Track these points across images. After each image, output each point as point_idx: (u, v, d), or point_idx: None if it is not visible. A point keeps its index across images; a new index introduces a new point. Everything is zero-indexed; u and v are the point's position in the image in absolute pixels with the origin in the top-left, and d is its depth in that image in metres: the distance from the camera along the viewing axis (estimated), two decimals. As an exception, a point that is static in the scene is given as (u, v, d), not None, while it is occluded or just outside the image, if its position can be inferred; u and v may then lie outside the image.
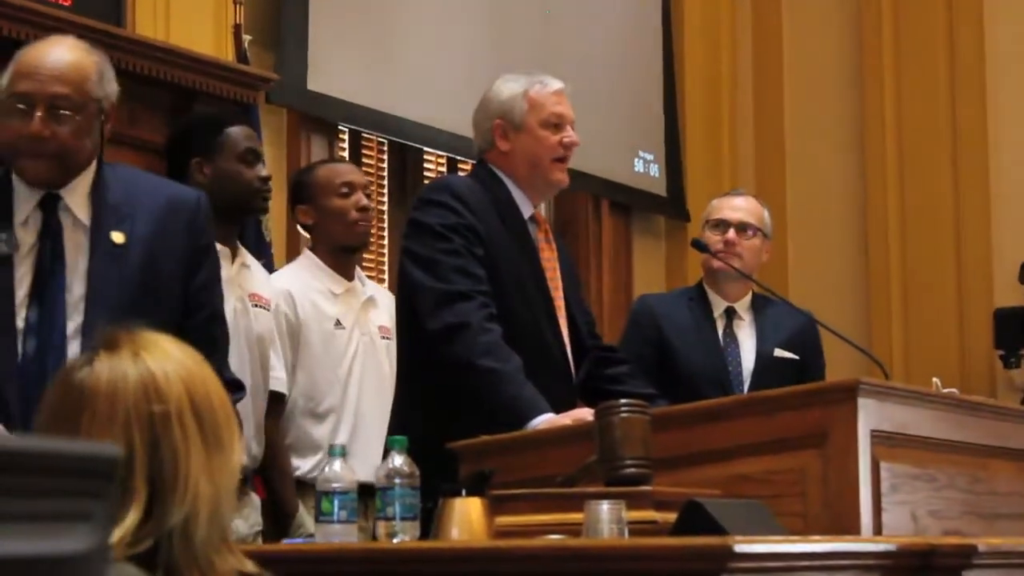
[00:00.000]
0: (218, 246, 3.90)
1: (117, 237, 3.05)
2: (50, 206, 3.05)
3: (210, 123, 4.13)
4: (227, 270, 3.94)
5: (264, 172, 4.06)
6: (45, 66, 3.05)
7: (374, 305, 4.36)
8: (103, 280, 3.02)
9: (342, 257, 4.36)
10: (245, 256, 4.10)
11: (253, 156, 4.04)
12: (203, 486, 1.78)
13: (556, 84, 3.77)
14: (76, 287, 3.01)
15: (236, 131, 4.06)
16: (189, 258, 3.16)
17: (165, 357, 1.84)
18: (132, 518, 1.72)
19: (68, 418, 1.80)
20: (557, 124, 3.71)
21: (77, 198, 3.07)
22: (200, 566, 1.77)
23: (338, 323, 4.26)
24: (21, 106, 3.01)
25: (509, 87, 3.75)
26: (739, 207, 4.57)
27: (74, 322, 2.98)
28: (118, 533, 1.69)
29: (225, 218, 3.96)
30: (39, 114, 3.00)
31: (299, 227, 4.55)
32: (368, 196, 4.42)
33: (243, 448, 1.93)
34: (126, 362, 1.82)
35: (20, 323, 2.97)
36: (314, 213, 4.35)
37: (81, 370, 1.83)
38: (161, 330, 1.90)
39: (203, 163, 3.99)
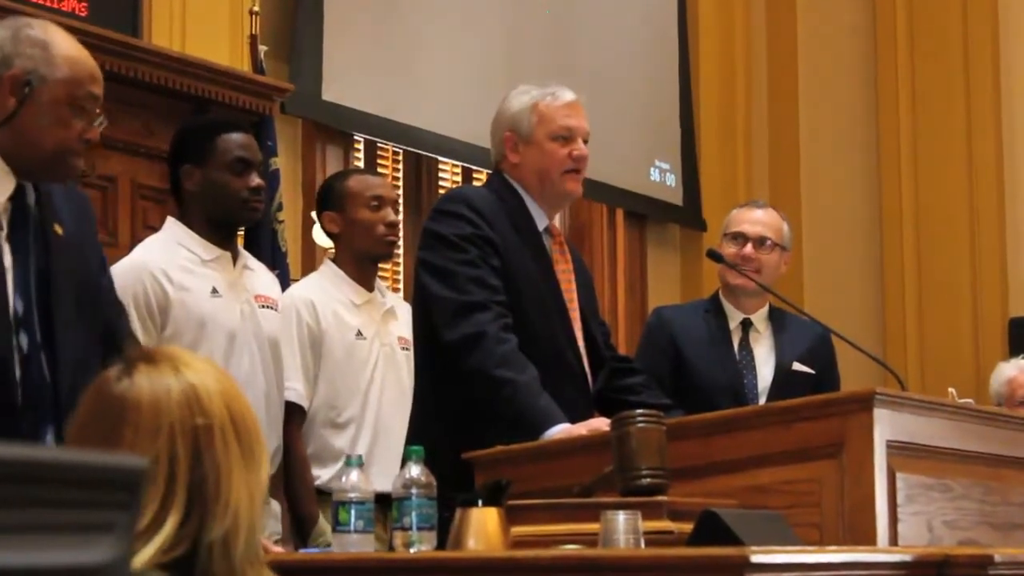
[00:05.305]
0: (217, 251, 3.91)
1: (58, 229, 2.98)
2: (19, 195, 2.92)
3: (202, 130, 4.04)
4: (229, 274, 3.94)
5: (255, 182, 3.93)
6: (96, 66, 3.00)
7: (394, 316, 4.35)
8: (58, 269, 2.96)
9: (364, 267, 4.35)
10: (247, 258, 4.07)
11: (243, 165, 3.92)
12: (243, 500, 1.79)
13: (568, 96, 3.74)
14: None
15: (227, 139, 3.94)
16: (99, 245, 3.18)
17: (204, 373, 1.85)
18: (171, 524, 1.74)
19: (108, 430, 1.79)
20: (567, 137, 3.69)
21: (31, 191, 2.97)
22: None
23: (359, 333, 4.26)
24: (89, 108, 2.94)
25: (520, 99, 3.73)
26: (758, 220, 4.52)
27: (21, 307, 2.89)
28: (158, 540, 1.71)
29: (219, 225, 3.95)
30: (99, 119, 2.96)
31: (323, 232, 4.53)
32: (396, 211, 4.39)
33: (269, 463, 1.94)
34: (168, 376, 1.82)
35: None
36: (341, 222, 4.33)
37: (120, 382, 1.82)
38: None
39: (193, 170, 3.92)
